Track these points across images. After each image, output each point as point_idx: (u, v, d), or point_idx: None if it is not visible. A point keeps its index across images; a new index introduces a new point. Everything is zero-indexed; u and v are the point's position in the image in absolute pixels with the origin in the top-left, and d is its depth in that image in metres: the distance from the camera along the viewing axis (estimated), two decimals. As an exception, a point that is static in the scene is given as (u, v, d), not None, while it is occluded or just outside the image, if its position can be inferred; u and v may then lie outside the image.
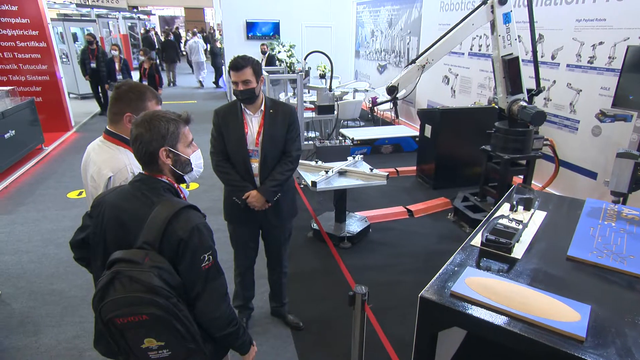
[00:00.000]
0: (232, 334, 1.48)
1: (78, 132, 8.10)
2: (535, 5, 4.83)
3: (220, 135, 2.47)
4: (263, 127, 2.45)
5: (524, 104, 3.83)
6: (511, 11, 3.81)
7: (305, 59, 6.22)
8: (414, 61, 3.93)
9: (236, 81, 2.34)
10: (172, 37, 16.62)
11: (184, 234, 1.33)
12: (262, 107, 2.47)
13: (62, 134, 7.79)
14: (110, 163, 1.69)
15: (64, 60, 10.92)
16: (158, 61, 17.45)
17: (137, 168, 1.61)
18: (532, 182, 4.34)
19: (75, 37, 11.42)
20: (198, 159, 1.57)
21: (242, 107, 2.46)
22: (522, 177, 4.28)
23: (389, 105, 4.13)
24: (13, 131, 5.97)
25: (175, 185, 1.50)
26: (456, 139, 5.20)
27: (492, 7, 3.80)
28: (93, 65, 8.93)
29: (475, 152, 4.50)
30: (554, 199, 2.11)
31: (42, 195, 5.21)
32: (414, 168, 5.87)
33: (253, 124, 2.48)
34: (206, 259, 1.38)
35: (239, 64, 2.32)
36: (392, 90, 3.88)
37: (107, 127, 1.78)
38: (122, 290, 1.25)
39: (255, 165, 2.50)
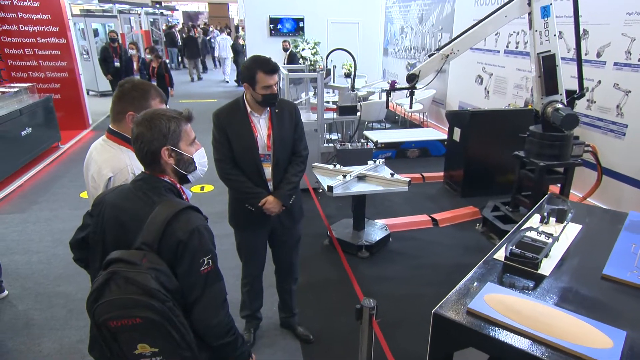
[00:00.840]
0: (230, 343, 1.46)
1: (95, 131, 8.34)
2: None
3: (226, 140, 2.40)
4: (272, 129, 2.43)
5: (560, 105, 3.69)
6: (551, 4, 3.68)
7: (327, 57, 6.22)
8: (438, 49, 3.88)
9: (271, 84, 2.30)
10: (195, 33, 17.16)
11: (184, 236, 1.33)
12: (268, 107, 2.44)
13: (79, 132, 8.05)
14: (111, 163, 1.72)
15: (85, 56, 11.31)
16: (180, 58, 18.04)
17: (138, 169, 1.62)
18: (571, 191, 4.18)
19: (96, 33, 11.82)
20: (202, 158, 1.58)
21: (248, 108, 2.41)
22: (559, 186, 4.12)
23: (406, 94, 4.09)
24: (30, 128, 6.21)
25: (178, 185, 1.50)
26: (487, 144, 5.06)
27: (529, -1, 3.70)
28: (117, 64, 9.06)
29: (508, 158, 4.37)
30: (593, 211, 2.02)
31: (56, 194, 5.39)
32: (442, 174, 5.77)
33: (261, 125, 2.44)
34: (206, 262, 1.38)
35: (275, 66, 2.30)
36: (411, 78, 3.85)
37: (110, 126, 1.81)
38: (118, 291, 1.26)
39: (267, 169, 2.48)
